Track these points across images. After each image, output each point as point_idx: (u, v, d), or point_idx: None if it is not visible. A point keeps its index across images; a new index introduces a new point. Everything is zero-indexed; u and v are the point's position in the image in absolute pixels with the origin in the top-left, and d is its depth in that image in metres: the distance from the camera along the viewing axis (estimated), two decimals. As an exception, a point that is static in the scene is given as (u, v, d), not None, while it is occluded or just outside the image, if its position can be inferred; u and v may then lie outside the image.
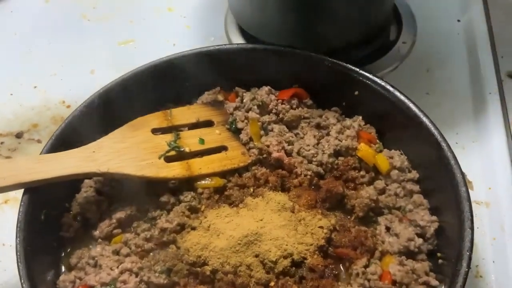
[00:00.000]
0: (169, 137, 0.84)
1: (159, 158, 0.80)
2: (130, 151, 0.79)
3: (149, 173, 0.78)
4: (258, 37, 1.05)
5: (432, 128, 0.77)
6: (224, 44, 1.01)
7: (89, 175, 0.76)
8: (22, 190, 0.82)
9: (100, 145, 0.77)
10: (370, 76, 0.83)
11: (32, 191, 0.71)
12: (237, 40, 1.13)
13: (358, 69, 0.85)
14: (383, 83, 0.82)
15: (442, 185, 0.76)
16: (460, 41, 1.13)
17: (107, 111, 0.84)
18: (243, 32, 1.13)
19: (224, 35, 1.16)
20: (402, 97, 0.81)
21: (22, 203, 0.69)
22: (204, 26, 1.19)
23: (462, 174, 0.72)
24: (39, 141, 0.98)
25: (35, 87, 1.07)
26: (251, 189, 0.81)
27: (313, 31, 0.96)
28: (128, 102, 0.86)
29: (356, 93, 0.86)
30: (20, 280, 0.62)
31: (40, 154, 0.74)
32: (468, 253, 0.65)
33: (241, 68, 0.92)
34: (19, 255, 0.64)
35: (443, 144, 0.75)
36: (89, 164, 0.74)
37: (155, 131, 0.84)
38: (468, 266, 0.64)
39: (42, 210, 0.73)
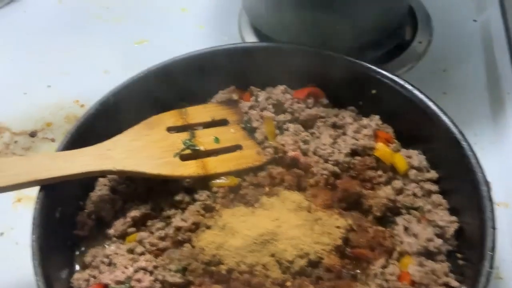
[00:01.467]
0: (184, 135, 0.83)
1: (175, 156, 0.80)
2: (145, 149, 0.78)
3: (164, 171, 0.77)
4: (272, 36, 1.05)
5: (452, 127, 0.76)
6: (240, 43, 1.01)
7: (104, 173, 0.76)
8: (35, 188, 0.83)
9: (116, 143, 0.76)
10: (389, 74, 0.83)
11: (48, 189, 0.70)
12: (251, 39, 1.13)
13: (376, 68, 0.84)
14: (402, 82, 0.81)
15: (462, 185, 0.75)
16: (476, 41, 1.11)
17: (122, 109, 0.83)
18: (257, 32, 1.13)
19: (237, 35, 1.16)
20: (422, 96, 0.80)
21: (37, 200, 0.68)
22: (218, 26, 1.19)
23: (483, 173, 0.71)
24: (53, 140, 0.98)
25: (48, 86, 1.07)
26: (267, 188, 0.81)
27: (328, 31, 0.96)
28: (142, 101, 0.85)
29: (374, 92, 0.85)
30: (35, 277, 0.61)
31: (56, 151, 0.74)
32: (490, 253, 0.64)
33: (256, 66, 0.91)
34: (34, 252, 0.64)
35: (464, 143, 0.74)
36: (104, 162, 0.73)
37: (170, 129, 0.83)
38: (491, 267, 0.63)
39: (57, 207, 0.72)
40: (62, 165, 0.69)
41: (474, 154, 0.73)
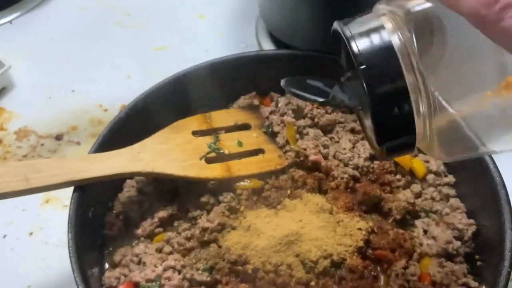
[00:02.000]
0: (208, 139, 0.86)
1: (200, 159, 0.82)
2: (172, 152, 0.81)
3: (191, 173, 0.80)
4: (289, 43, 1.08)
5: (470, 132, 0.78)
6: (261, 50, 1.04)
7: (134, 174, 0.78)
8: (63, 190, 0.85)
9: (145, 146, 0.79)
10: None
11: (81, 190, 0.73)
12: (268, 46, 1.16)
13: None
14: (420, 88, 0.84)
15: (479, 188, 0.77)
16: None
17: (149, 113, 0.86)
18: (274, 39, 1.16)
19: (255, 42, 1.19)
20: (439, 102, 0.82)
21: (72, 200, 0.71)
22: (235, 33, 1.22)
23: (501, 177, 0.73)
24: (78, 143, 1.00)
25: (73, 91, 1.10)
26: (289, 191, 0.83)
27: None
28: (168, 105, 0.88)
29: (392, 98, 0.88)
30: (73, 274, 0.64)
31: (88, 153, 0.77)
32: (510, 254, 0.66)
33: (276, 73, 0.94)
34: (71, 250, 0.66)
35: (481, 148, 0.76)
36: (135, 164, 0.76)
37: (195, 133, 0.86)
38: (511, 267, 0.65)
39: (90, 208, 0.75)
40: (96, 167, 0.72)
41: (492, 159, 0.75)
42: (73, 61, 1.15)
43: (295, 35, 1.07)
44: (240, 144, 0.87)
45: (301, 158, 0.86)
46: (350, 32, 0.46)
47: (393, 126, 0.46)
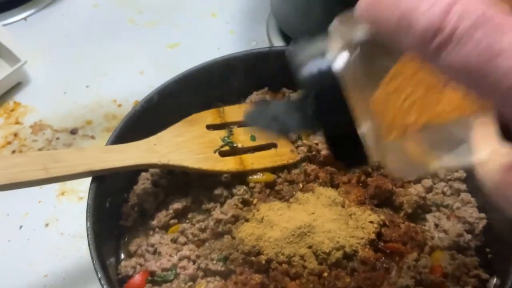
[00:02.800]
0: (222, 133, 0.87)
1: (214, 152, 0.84)
2: (187, 145, 0.82)
3: (205, 166, 0.81)
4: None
5: (481, 127, 0.79)
6: (273, 46, 1.05)
7: (151, 166, 0.80)
8: (79, 183, 0.87)
9: (160, 138, 0.81)
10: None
11: (99, 180, 0.74)
12: (279, 44, 1.17)
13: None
14: (431, 84, 0.85)
15: (490, 183, 0.78)
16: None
17: (163, 107, 0.87)
18: (285, 36, 1.18)
19: (266, 39, 1.20)
20: (451, 98, 0.83)
21: (90, 190, 0.72)
22: (247, 31, 1.23)
23: None
24: (93, 137, 1.02)
25: (87, 86, 1.11)
26: (301, 185, 0.84)
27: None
28: (183, 100, 0.89)
29: (403, 94, 0.89)
30: (92, 262, 0.65)
31: (106, 145, 0.78)
32: (521, 246, 0.67)
33: (288, 69, 0.95)
34: (90, 237, 0.67)
35: (492, 143, 0.77)
36: (151, 156, 0.77)
37: (208, 127, 0.88)
38: (522, 258, 0.66)
39: (107, 198, 0.76)
40: (114, 158, 0.74)
41: (503, 153, 0.76)
42: (87, 58, 1.17)
43: (305, 33, 1.08)
44: (253, 138, 0.88)
45: (313, 153, 0.87)
46: (299, 56, 0.47)
47: (344, 147, 0.47)
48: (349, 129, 0.45)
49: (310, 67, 0.45)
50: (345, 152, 0.49)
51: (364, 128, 0.46)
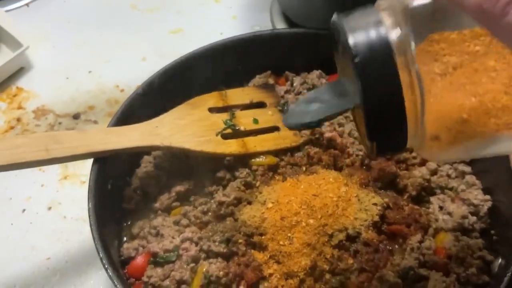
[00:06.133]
0: (224, 116, 0.86)
1: (217, 135, 0.83)
2: (189, 128, 0.82)
3: (207, 148, 0.81)
4: (303, 25, 1.08)
5: (486, 109, 0.78)
6: (276, 29, 1.04)
7: (152, 148, 0.79)
8: (81, 166, 0.87)
9: (162, 120, 0.80)
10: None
11: (101, 161, 0.74)
12: (283, 29, 1.16)
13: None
14: (436, 65, 0.84)
15: (495, 165, 0.77)
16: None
17: (165, 90, 0.87)
18: (289, 21, 1.16)
19: (269, 25, 1.19)
20: (456, 79, 0.82)
21: (92, 172, 0.72)
22: (250, 17, 1.22)
23: (518, 152, 0.73)
24: (95, 122, 1.02)
25: (90, 72, 1.11)
26: (304, 168, 0.84)
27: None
28: (184, 83, 0.89)
29: (408, 76, 0.88)
30: (95, 243, 0.65)
31: (107, 127, 0.78)
32: (527, 227, 0.66)
33: (292, 52, 0.95)
34: (91, 218, 0.67)
35: (498, 124, 0.76)
36: (153, 138, 0.77)
37: (211, 110, 0.87)
38: (527, 240, 0.66)
39: (109, 180, 0.76)
40: (116, 139, 0.73)
41: (509, 134, 0.75)
42: (89, 43, 1.17)
43: (309, 17, 1.07)
44: (256, 121, 0.87)
45: (316, 136, 0.86)
46: (348, 24, 0.45)
47: (385, 123, 0.45)
48: (394, 102, 0.43)
49: (363, 35, 0.43)
50: (380, 131, 0.46)
51: (408, 106, 0.43)
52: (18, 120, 1.02)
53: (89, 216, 0.67)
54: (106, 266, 0.63)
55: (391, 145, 0.48)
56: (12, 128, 1.00)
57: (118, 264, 0.71)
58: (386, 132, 0.46)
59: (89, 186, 0.70)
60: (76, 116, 1.02)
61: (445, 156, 0.49)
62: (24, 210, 0.89)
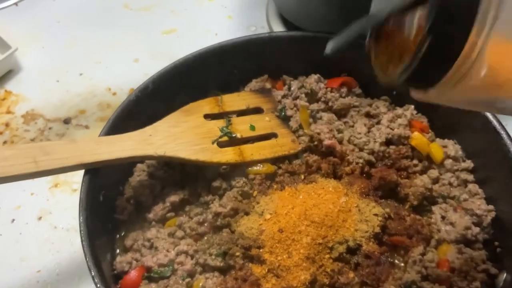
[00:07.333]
0: (220, 123, 0.84)
1: (213, 143, 0.80)
2: (184, 136, 0.79)
3: (203, 157, 0.78)
4: (299, 25, 1.05)
5: (490, 116, 0.76)
6: (273, 32, 1.02)
7: (146, 158, 0.76)
8: (72, 174, 0.84)
9: (156, 129, 0.77)
10: (425, 63, 0.83)
11: (92, 173, 0.71)
12: (279, 29, 1.13)
13: (412, 57, 0.84)
14: (438, 71, 0.82)
15: (499, 174, 0.75)
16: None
17: (159, 96, 0.84)
18: (284, 21, 1.14)
19: (265, 24, 1.17)
20: (458, 85, 0.80)
21: (83, 183, 0.69)
22: (246, 16, 1.19)
23: (523, 162, 0.71)
24: (86, 127, 0.99)
25: (81, 74, 1.08)
26: (302, 176, 0.81)
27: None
28: (179, 88, 0.86)
29: (409, 81, 0.85)
30: (86, 259, 0.62)
31: (99, 136, 0.75)
32: (533, 240, 0.64)
33: (289, 56, 0.92)
34: (82, 233, 0.65)
35: (502, 132, 0.74)
36: (146, 147, 0.74)
37: (206, 116, 0.84)
38: (534, 253, 0.64)
39: (100, 191, 0.73)
40: (107, 150, 0.70)
41: (513, 143, 0.73)
42: (80, 44, 1.13)
43: (306, 17, 1.05)
44: (252, 128, 0.85)
45: (315, 143, 0.84)
46: None
47: (453, 11, 0.41)
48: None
49: None
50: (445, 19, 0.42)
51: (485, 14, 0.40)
52: (7, 125, 0.98)
53: (80, 231, 0.64)
54: (99, 285, 0.60)
55: (440, 51, 0.44)
56: (0, 133, 0.97)
57: (111, 280, 0.68)
58: (447, 26, 0.42)
59: (80, 198, 0.67)
60: (66, 121, 0.99)
61: (467, 99, 0.48)
62: (13, 220, 0.86)
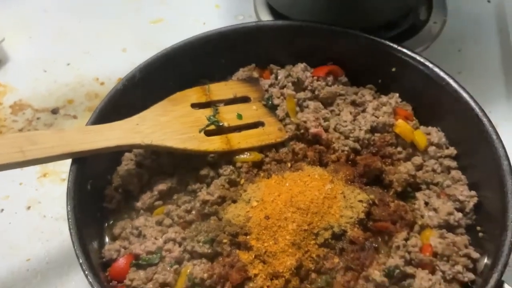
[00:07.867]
0: (208, 111, 0.84)
1: (200, 132, 0.81)
2: (171, 125, 0.80)
3: (190, 146, 0.79)
4: (288, 15, 1.05)
5: (472, 103, 0.77)
6: (259, 21, 1.02)
7: (133, 147, 0.77)
8: (61, 164, 0.84)
9: (143, 118, 0.78)
10: (410, 52, 0.84)
11: (79, 162, 0.72)
12: (266, 18, 1.13)
13: (397, 46, 0.85)
14: (422, 60, 0.83)
15: (481, 160, 0.77)
16: (491, 21, 1.13)
17: (147, 85, 0.84)
18: (272, 10, 1.14)
19: (253, 14, 1.17)
20: (442, 73, 0.81)
21: (70, 172, 0.70)
22: (233, 5, 1.19)
23: (504, 148, 0.73)
24: (75, 117, 0.99)
25: (68, 64, 1.08)
26: (289, 164, 0.82)
27: (345, 10, 0.97)
28: (166, 77, 0.87)
29: (394, 69, 0.87)
30: (73, 247, 0.63)
31: (86, 126, 0.75)
32: (512, 224, 0.66)
33: (276, 45, 0.93)
34: (70, 222, 0.65)
35: (484, 119, 0.76)
36: (134, 136, 0.75)
37: (193, 105, 0.85)
38: (513, 237, 0.65)
39: (88, 180, 0.74)
40: (94, 139, 0.71)
41: (495, 130, 0.75)
42: (67, 34, 1.13)
43: (293, 6, 1.05)
44: (239, 116, 0.86)
45: (302, 131, 0.85)
46: None
47: None
48: None
49: None
50: None
51: None
52: (-6, 116, 0.98)
53: (68, 220, 0.65)
54: (87, 272, 0.61)
55: None
56: (-12, 124, 0.97)
57: (99, 267, 0.69)
58: None
59: (67, 187, 0.68)
60: (54, 111, 0.99)
61: None
62: (2, 210, 0.87)
